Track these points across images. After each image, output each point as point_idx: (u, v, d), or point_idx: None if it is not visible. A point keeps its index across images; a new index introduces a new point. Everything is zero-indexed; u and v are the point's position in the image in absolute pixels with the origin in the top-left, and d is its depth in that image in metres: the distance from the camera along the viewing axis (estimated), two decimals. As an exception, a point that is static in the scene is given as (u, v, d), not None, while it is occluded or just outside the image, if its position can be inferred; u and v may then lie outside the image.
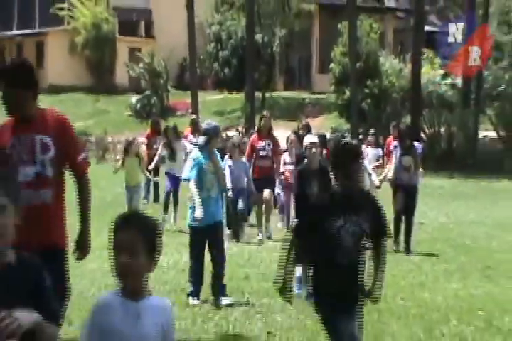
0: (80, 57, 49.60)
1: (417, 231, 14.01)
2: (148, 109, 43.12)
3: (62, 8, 50.44)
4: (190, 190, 9.75)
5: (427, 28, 42.26)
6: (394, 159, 13.56)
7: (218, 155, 10.17)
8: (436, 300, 9.58)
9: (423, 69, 36.49)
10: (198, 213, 9.35)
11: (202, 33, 45.17)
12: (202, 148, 9.72)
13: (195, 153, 9.85)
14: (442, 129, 34.19)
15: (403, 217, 13.27)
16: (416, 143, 13.82)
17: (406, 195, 13.19)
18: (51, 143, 5.68)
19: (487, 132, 34.64)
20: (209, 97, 44.33)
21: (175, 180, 15.96)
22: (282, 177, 14.86)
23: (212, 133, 9.77)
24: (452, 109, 35.57)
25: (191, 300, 9.45)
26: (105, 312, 3.42)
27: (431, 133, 34.69)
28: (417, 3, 36.74)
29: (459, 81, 36.68)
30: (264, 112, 16.41)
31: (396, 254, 12.47)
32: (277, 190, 15.74)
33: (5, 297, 3.22)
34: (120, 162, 15.65)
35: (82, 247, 5.94)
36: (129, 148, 15.39)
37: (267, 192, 14.75)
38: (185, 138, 20.02)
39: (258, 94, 40.78)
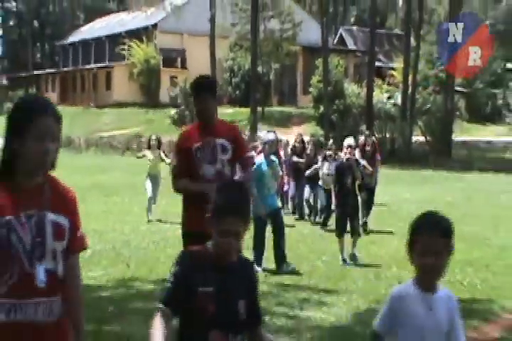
0: (136, 82, 49.46)
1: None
2: (182, 119, 43.04)
3: (124, 49, 50.27)
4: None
5: (376, 63, 42.22)
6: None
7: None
8: (382, 253, 9.65)
9: (374, 93, 36.52)
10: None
11: (220, 66, 45.09)
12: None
13: (258, 159, 8.92)
14: (387, 135, 34.20)
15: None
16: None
17: (368, 190, 11.97)
18: (229, 146, 5.04)
19: (418, 137, 34.72)
20: (224, 111, 44.17)
21: None
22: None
23: (270, 143, 9.01)
24: (394, 120, 35.60)
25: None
26: (401, 301, 2.81)
27: (379, 137, 34.67)
28: (370, 46, 36.79)
29: (399, 101, 36.79)
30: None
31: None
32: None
33: (232, 290, 2.70)
34: (142, 153, 13.64)
35: None
36: (150, 143, 13.19)
37: None
38: None
39: (259, 109, 40.72)
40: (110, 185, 18.87)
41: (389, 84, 42.97)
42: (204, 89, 5.08)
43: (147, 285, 7.60)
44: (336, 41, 55.63)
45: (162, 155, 13.05)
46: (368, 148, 11.97)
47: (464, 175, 25.63)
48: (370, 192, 12.12)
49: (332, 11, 54.64)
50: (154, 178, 12.75)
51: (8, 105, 50.27)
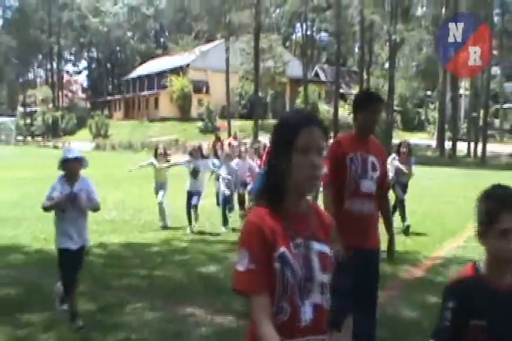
0: (175, 104, 49.42)
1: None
2: (207, 129, 42.92)
3: (167, 81, 50.15)
4: None
5: (340, 91, 42.00)
6: (393, 166, 9.27)
7: None
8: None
9: (339, 111, 36.45)
10: None
11: (232, 92, 44.90)
12: None
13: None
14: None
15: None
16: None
17: (403, 188, 9.47)
18: (378, 164, 3.45)
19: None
20: (236, 123, 44.05)
21: (197, 196, 8.73)
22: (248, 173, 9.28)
23: None
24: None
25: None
26: None
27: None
28: (336, 79, 36.63)
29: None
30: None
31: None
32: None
33: (508, 323, 1.67)
34: (149, 161, 9.48)
35: (392, 251, 3.59)
36: (165, 152, 9.51)
37: None
38: (229, 144, 14.10)
39: (260, 122, 40.48)
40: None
41: (349, 104, 42.81)
42: (375, 101, 3.46)
43: (183, 243, 7.55)
44: (312, 75, 55.38)
45: (166, 164, 9.33)
46: (404, 150, 9.55)
47: (399, 167, 25.47)
48: (404, 187, 9.69)
49: (310, 54, 54.32)
50: (163, 185, 9.34)
51: (90, 121, 50.20)
